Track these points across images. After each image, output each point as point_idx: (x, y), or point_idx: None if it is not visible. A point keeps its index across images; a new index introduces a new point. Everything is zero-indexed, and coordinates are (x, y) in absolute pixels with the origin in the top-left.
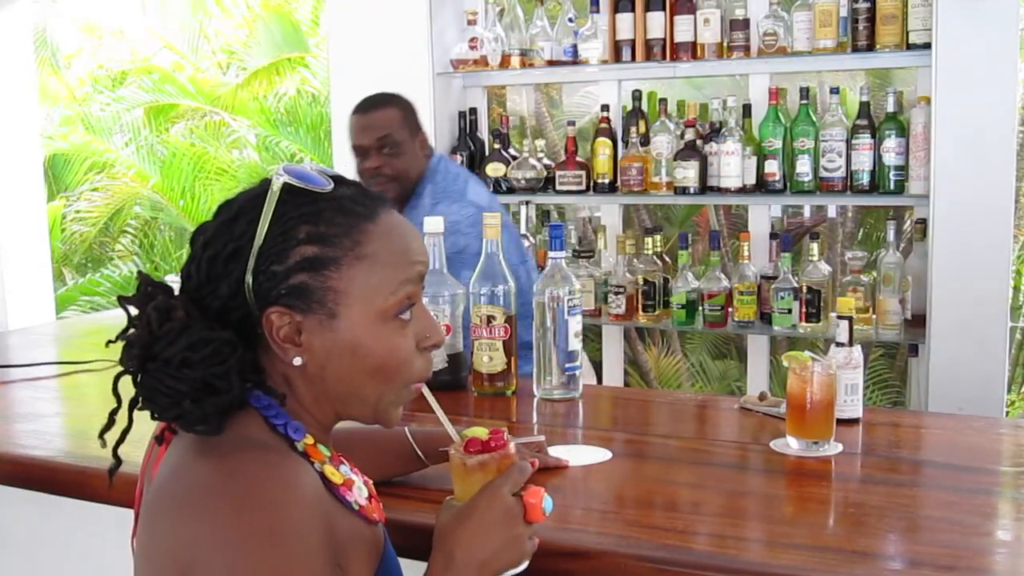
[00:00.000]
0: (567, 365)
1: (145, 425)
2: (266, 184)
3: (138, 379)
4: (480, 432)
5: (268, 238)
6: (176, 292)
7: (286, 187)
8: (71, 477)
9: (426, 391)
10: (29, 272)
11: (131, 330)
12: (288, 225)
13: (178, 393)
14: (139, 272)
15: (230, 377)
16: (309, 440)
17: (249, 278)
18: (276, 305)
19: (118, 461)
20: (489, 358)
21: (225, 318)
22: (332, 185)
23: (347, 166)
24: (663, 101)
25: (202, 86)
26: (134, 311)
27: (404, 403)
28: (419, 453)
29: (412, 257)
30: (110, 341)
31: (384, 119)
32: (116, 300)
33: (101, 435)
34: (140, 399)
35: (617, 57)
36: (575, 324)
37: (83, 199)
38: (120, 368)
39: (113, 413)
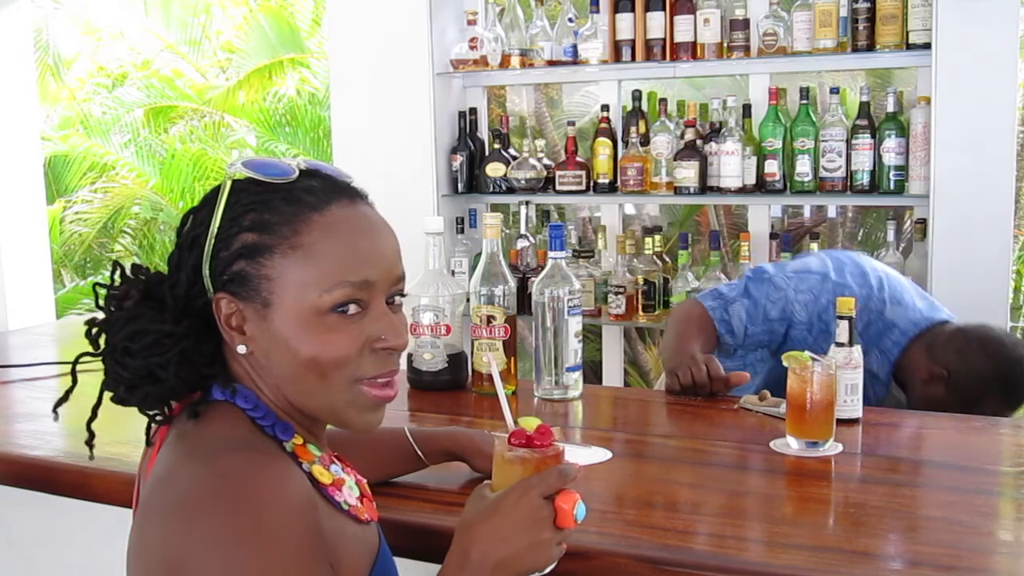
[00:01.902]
0: (567, 365)
1: (138, 424)
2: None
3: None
4: (529, 424)
5: (221, 226)
6: (158, 280)
7: (248, 178)
8: (71, 477)
9: (494, 369)
10: (29, 273)
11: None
12: (237, 212)
13: (119, 378)
14: (114, 261)
15: (169, 368)
16: (298, 440)
17: (206, 267)
18: (222, 291)
19: (91, 434)
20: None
21: (189, 306)
22: (293, 175)
23: (347, 165)
24: (663, 101)
25: (200, 88)
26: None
27: (370, 407)
28: (419, 453)
29: (359, 258)
30: (86, 322)
31: None
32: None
33: (88, 426)
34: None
35: (617, 57)
36: (575, 324)
37: (82, 201)
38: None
39: (69, 391)
